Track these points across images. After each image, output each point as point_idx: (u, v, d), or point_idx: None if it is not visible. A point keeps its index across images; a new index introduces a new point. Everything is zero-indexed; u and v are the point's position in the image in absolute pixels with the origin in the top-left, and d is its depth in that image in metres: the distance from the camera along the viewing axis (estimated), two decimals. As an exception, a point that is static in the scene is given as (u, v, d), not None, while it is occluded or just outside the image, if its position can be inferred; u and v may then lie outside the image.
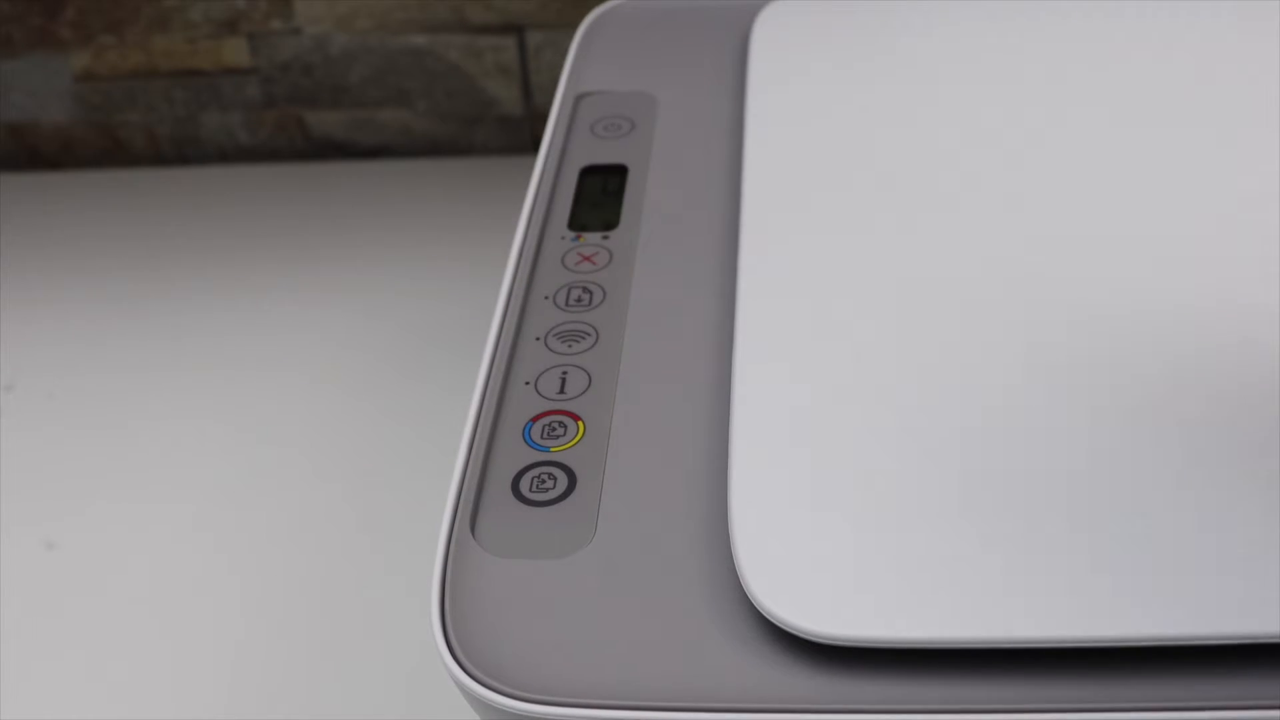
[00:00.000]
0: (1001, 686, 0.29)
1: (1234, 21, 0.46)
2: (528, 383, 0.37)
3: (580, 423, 0.36)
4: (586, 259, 0.41)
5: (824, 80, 0.46)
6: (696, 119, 0.47)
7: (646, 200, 0.43)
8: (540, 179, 0.44)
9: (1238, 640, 0.29)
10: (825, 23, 0.49)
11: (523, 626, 0.31)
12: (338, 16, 0.68)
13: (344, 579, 0.49)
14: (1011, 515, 0.31)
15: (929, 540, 0.31)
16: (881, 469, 0.32)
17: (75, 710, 0.45)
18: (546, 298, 0.40)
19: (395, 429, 0.54)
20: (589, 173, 0.45)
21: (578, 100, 0.48)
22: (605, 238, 0.42)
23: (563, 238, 0.42)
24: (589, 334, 0.38)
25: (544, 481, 0.34)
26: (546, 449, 0.35)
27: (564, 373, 0.37)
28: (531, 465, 0.35)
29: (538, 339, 0.38)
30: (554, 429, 0.36)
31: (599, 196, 0.44)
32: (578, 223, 0.43)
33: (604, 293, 0.40)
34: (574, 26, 0.52)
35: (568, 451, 0.35)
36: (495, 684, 0.30)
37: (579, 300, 0.40)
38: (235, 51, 0.69)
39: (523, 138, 0.71)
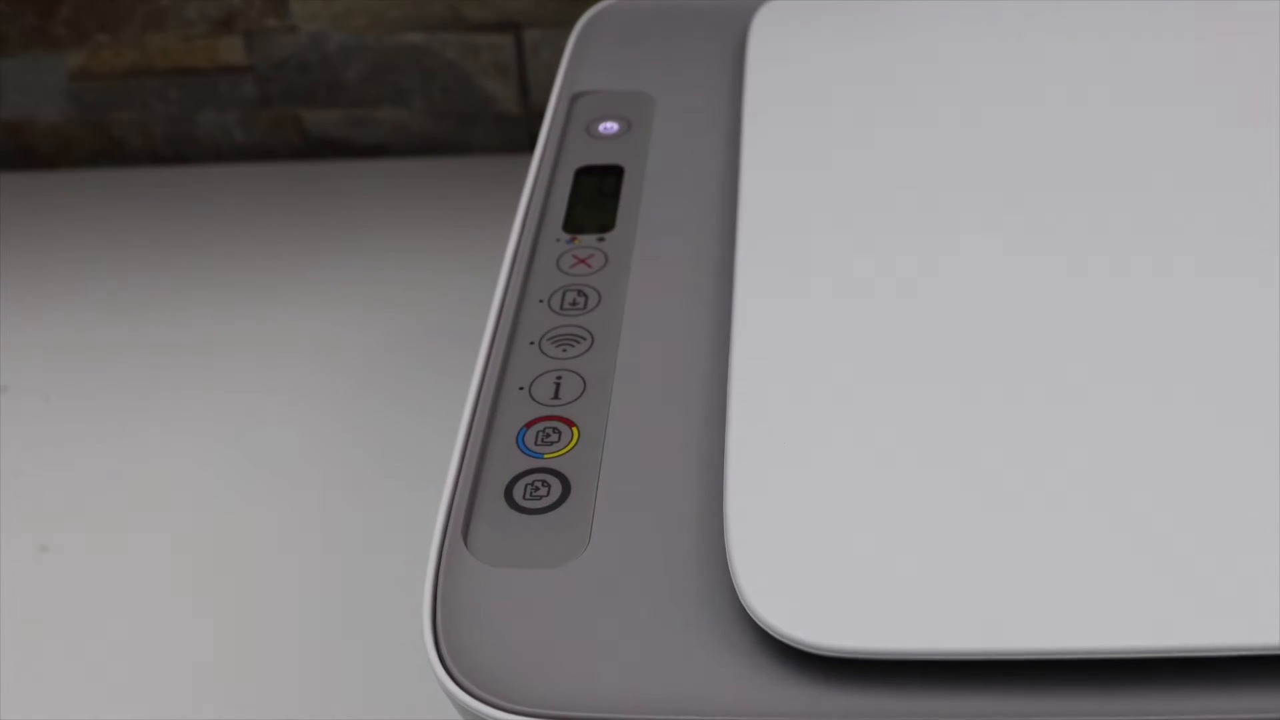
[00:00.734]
0: (999, 698, 0.29)
1: (1234, 21, 0.46)
2: (521, 388, 0.37)
3: (575, 429, 0.35)
4: (582, 261, 0.41)
5: (821, 80, 0.45)
6: (693, 119, 0.46)
7: (643, 202, 0.43)
8: (535, 180, 0.44)
9: (1233, 653, 0.28)
10: (823, 22, 0.48)
11: (515, 637, 0.31)
12: (334, 14, 0.67)
13: (337, 587, 0.48)
14: (1011, 526, 0.31)
15: (926, 551, 0.30)
16: (879, 479, 0.32)
17: (67, 712, 0.45)
18: (541, 301, 0.39)
19: (389, 432, 0.54)
20: (584, 174, 0.44)
21: (573, 100, 0.48)
22: (601, 240, 0.41)
23: (558, 240, 0.42)
24: (584, 338, 0.38)
25: (538, 489, 0.34)
26: (540, 455, 0.35)
27: (558, 378, 0.37)
28: (525, 472, 0.34)
29: (532, 343, 0.38)
30: (548, 435, 0.35)
31: (595, 198, 0.43)
32: (573, 224, 0.42)
33: (599, 296, 0.39)
34: (571, 24, 0.52)
35: (562, 458, 0.35)
36: (486, 695, 0.30)
37: (574, 304, 0.39)
38: (231, 50, 0.69)
39: (520, 136, 0.71)
